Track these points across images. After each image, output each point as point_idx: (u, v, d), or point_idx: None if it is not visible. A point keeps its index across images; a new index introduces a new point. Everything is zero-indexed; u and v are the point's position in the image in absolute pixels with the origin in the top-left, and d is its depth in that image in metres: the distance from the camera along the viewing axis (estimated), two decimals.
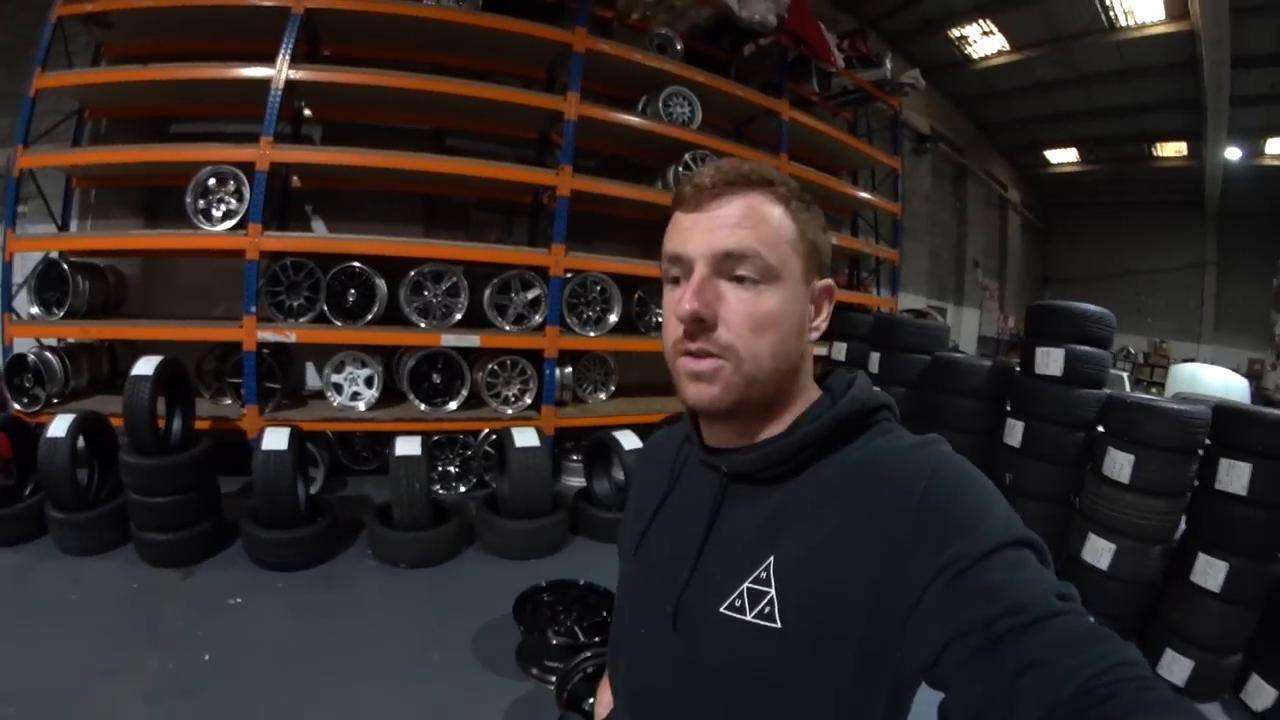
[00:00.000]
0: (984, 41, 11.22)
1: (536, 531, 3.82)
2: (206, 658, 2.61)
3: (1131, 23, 9.87)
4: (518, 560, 3.72)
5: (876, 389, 0.82)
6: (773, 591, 0.71)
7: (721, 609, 0.74)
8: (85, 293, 4.21)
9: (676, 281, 0.78)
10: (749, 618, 0.72)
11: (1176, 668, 3.08)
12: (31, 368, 3.98)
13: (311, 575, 3.38)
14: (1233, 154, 12.73)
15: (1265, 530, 2.95)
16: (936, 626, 0.60)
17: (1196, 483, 3.24)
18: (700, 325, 0.74)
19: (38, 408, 3.93)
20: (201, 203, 4.04)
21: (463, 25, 4.52)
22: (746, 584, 0.74)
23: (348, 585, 3.33)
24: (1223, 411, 3.19)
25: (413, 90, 4.37)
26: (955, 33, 11.00)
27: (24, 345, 4.16)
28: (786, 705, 0.70)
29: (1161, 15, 9.46)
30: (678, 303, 0.75)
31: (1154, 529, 3.22)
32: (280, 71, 4.05)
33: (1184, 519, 3.29)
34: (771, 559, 0.73)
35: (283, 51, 4.07)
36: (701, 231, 0.75)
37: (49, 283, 4.21)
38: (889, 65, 7.13)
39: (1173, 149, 14.17)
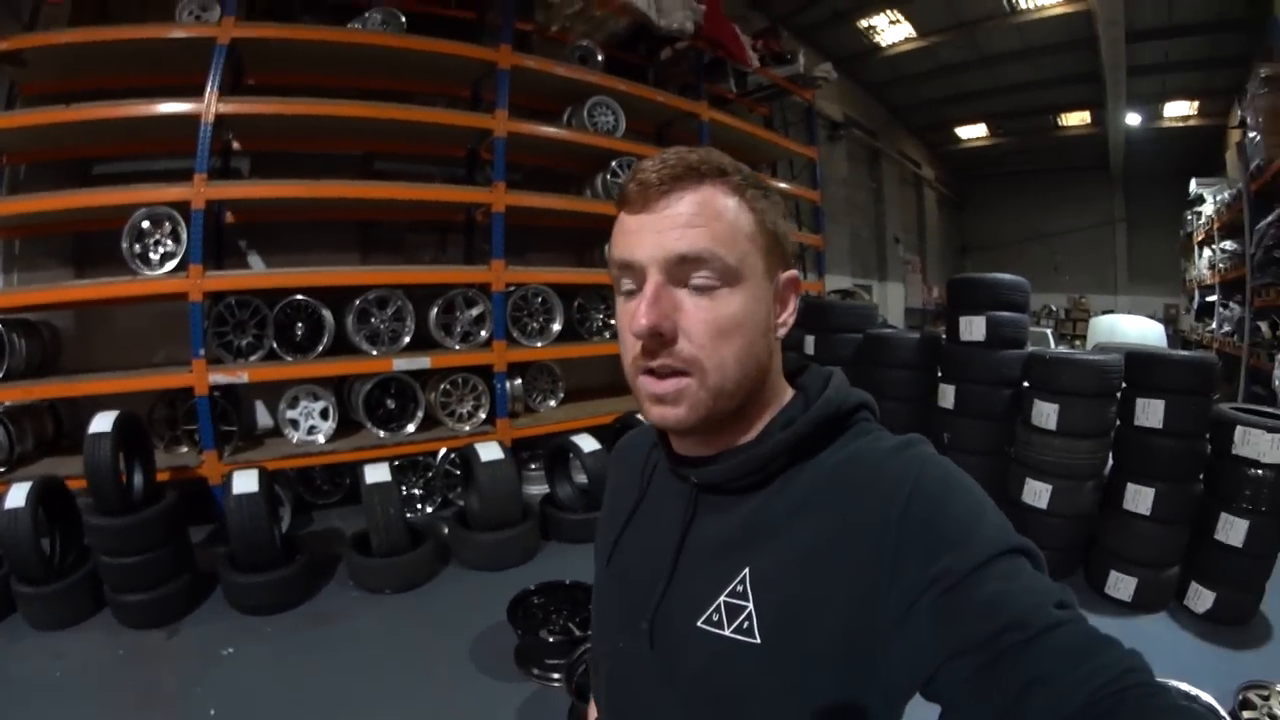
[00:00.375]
0: (891, 30, 11.78)
1: (510, 541, 3.91)
2: (212, 713, 2.56)
3: (1031, 5, 10.49)
4: (495, 571, 3.80)
5: (855, 388, 0.78)
6: (751, 605, 0.67)
7: (699, 623, 0.70)
8: (22, 352, 4.01)
9: (631, 293, 0.70)
10: (727, 632, 0.68)
11: (1122, 586, 3.44)
12: None
13: (298, 614, 3.34)
14: (1133, 119, 13.63)
15: (1182, 456, 3.36)
16: (930, 643, 0.57)
17: (1118, 422, 3.62)
18: (659, 340, 0.67)
19: None
20: (138, 247, 3.92)
21: (389, 48, 4.54)
22: (723, 597, 0.69)
23: (337, 619, 3.32)
24: (1134, 357, 3.58)
25: (342, 116, 4.37)
26: (864, 23, 11.51)
27: None
28: (769, 719, 0.67)
29: None
30: (633, 317, 0.68)
31: (1084, 467, 3.59)
32: (209, 105, 3.97)
33: (1110, 455, 3.65)
34: (747, 570, 0.69)
35: (210, 85, 3.97)
36: (651, 234, 0.67)
37: None
38: (802, 60, 7.43)
39: (1076, 118, 15.11)
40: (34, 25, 4.37)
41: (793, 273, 0.75)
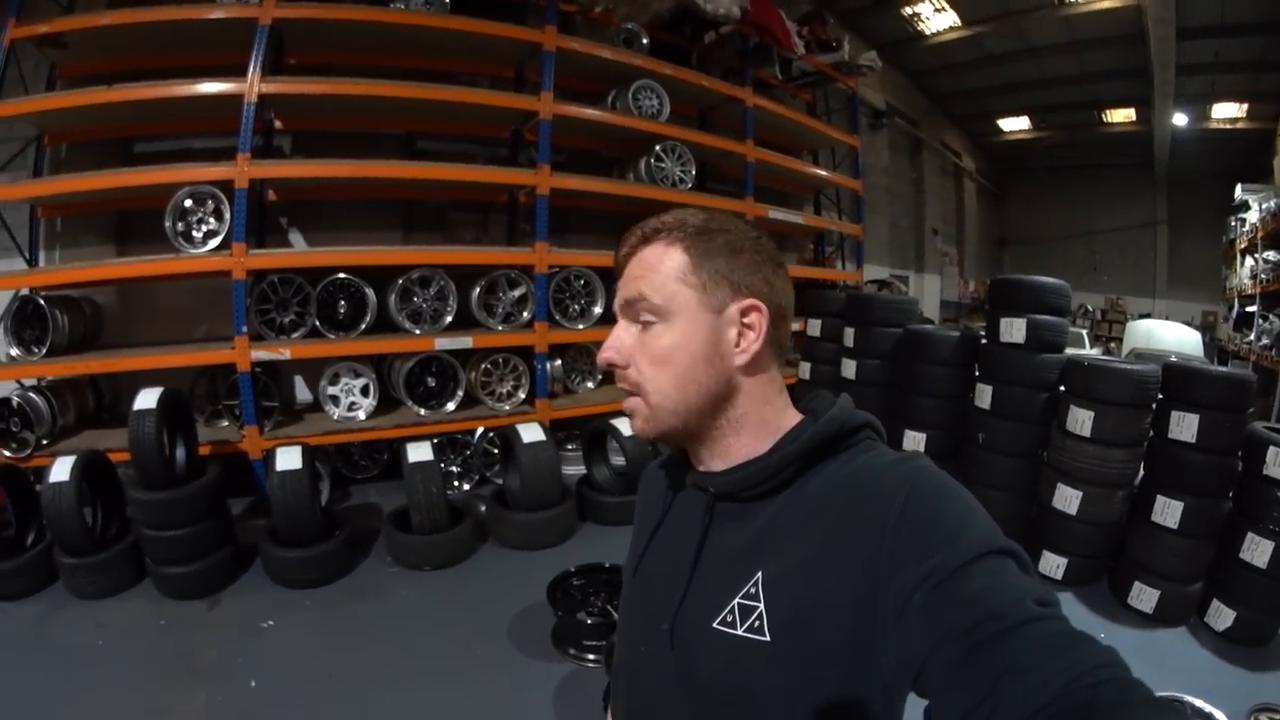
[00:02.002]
0: (936, 18, 11.54)
1: (549, 522, 3.96)
2: (253, 684, 2.62)
3: None
4: (533, 550, 3.85)
5: (860, 410, 0.84)
6: (761, 606, 0.73)
7: (714, 624, 0.76)
8: (65, 328, 4.07)
9: None
10: (740, 631, 0.73)
11: (1145, 598, 3.41)
12: (17, 411, 3.83)
13: (337, 589, 3.41)
14: (1180, 119, 13.28)
15: (1214, 472, 3.31)
16: (918, 636, 0.61)
17: (1151, 433, 3.57)
18: (615, 368, 0.84)
19: (28, 451, 3.79)
20: (181, 225, 3.98)
21: (433, 29, 4.54)
22: (737, 599, 0.75)
23: (375, 594, 3.38)
24: (1172, 370, 3.54)
25: (385, 96, 4.38)
26: (908, 10, 11.30)
27: (3, 388, 3.95)
28: (777, 715, 0.72)
29: None
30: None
31: (1115, 476, 3.56)
32: (252, 85, 4.00)
33: (1142, 466, 3.61)
34: (760, 574, 0.74)
35: (253, 65, 4.01)
36: (619, 287, 0.86)
37: (25, 320, 4.05)
38: (847, 47, 7.33)
39: (1122, 115, 14.71)
40: (73, 8, 4.42)
41: (749, 300, 0.81)
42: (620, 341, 0.84)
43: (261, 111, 4.21)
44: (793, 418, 0.85)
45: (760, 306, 0.82)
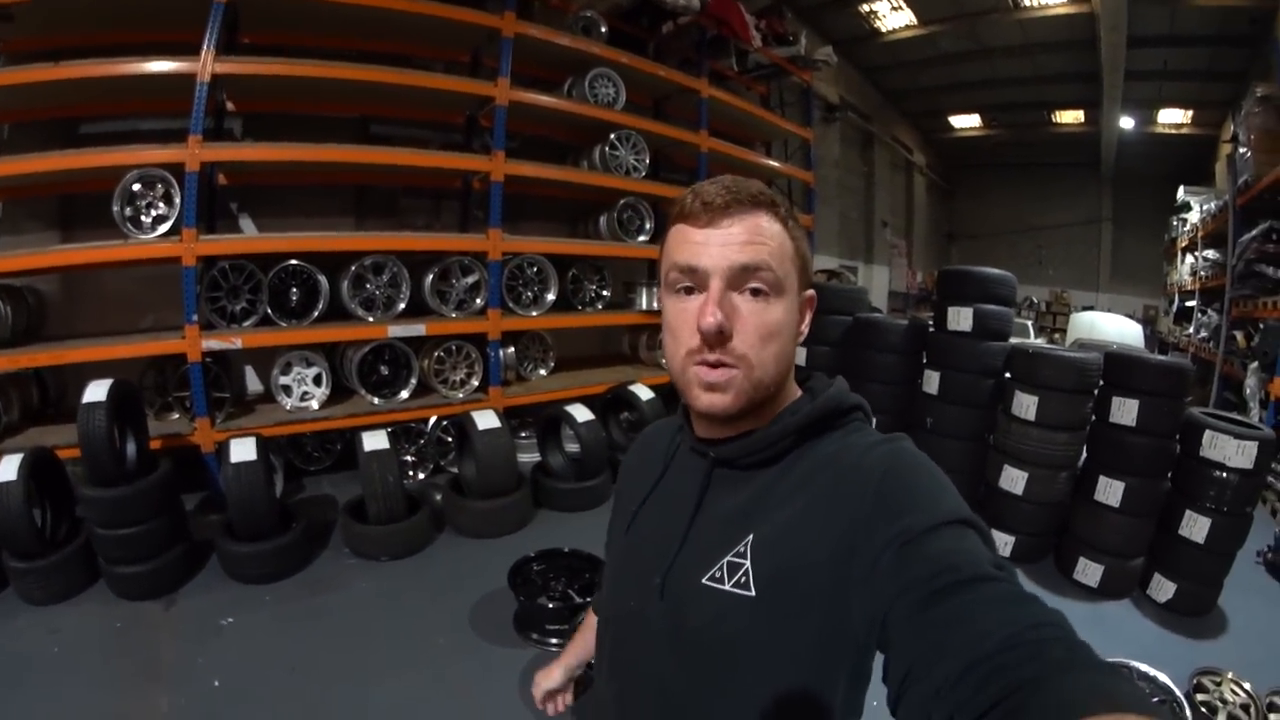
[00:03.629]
0: (893, 16, 11.77)
1: (505, 509, 3.97)
2: (216, 684, 2.57)
3: (1035, 3, 10.54)
4: (491, 538, 3.86)
5: (853, 393, 0.90)
6: (748, 564, 0.77)
7: (703, 580, 0.80)
8: (7, 318, 3.90)
9: (688, 291, 0.81)
10: (727, 587, 0.78)
11: (1090, 573, 3.59)
12: None
13: (295, 582, 3.35)
14: (1127, 123, 13.83)
15: (1153, 454, 3.51)
16: (884, 590, 0.65)
17: (1094, 417, 3.76)
18: (719, 337, 0.77)
19: None
20: (129, 209, 3.84)
21: (391, 10, 4.45)
22: (727, 557, 0.79)
23: (335, 586, 3.35)
24: (1112, 358, 3.72)
25: (342, 79, 4.30)
26: (866, 7, 11.49)
27: None
28: (757, 668, 0.76)
29: None
30: (698, 314, 0.78)
31: (1059, 458, 3.74)
32: (206, 65, 3.86)
33: (1085, 448, 3.80)
34: (750, 536, 0.79)
35: (206, 43, 3.87)
36: (716, 247, 0.78)
37: None
38: (803, 42, 7.43)
39: (1071, 116, 15.22)
40: None
41: (811, 292, 0.88)
42: (730, 308, 0.79)
43: (214, 92, 4.06)
44: (793, 393, 0.90)
45: (814, 297, 0.89)
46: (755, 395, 0.81)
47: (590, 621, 1.25)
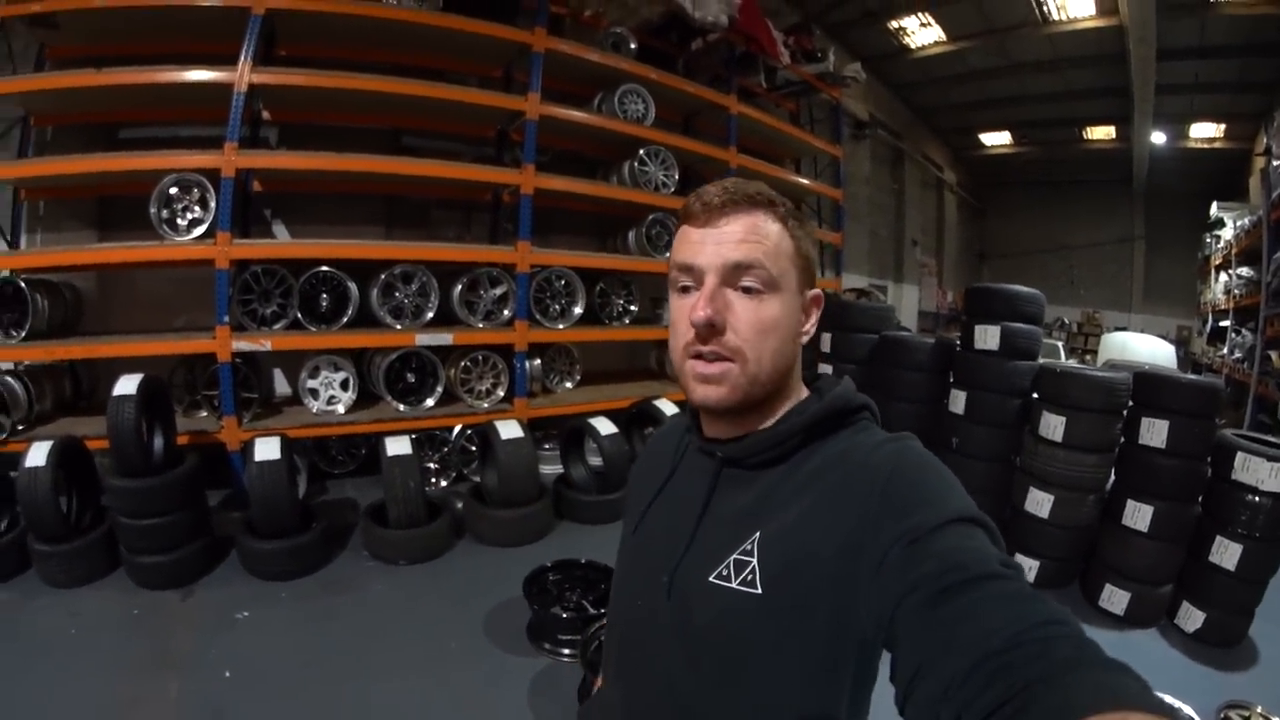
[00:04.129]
0: (922, 32, 11.73)
1: (526, 519, 3.98)
2: (227, 675, 2.60)
3: (1064, 17, 10.43)
4: (509, 547, 3.86)
5: (859, 393, 0.90)
6: (755, 561, 0.78)
7: (710, 578, 0.80)
8: (45, 311, 4.02)
9: (686, 290, 0.85)
10: (734, 585, 0.78)
11: (1116, 599, 3.48)
12: None
13: (312, 581, 3.39)
14: (1158, 138, 13.55)
15: (1183, 477, 3.39)
16: (891, 588, 0.65)
17: (1122, 439, 3.65)
18: (712, 330, 0.80)
19: (3, 436, 3.72)
20: (165, 212, 3.95)
21: (425, 26, 4.55)
22: (734, 556, 0.80)
23: (351, 587, 3.37)
24: (1142, 377, 3.62)
25: (375, 91, 4.39)
26: (894, 24, 11.46)
27: None
28: (765, 665, 0.76)
29: (1092, 10, 10.03)
30: (691, 309, 0.81)
31: (1087, 480, 3.63)
32: (243, 74, 3.98)
33: (1113, 470, 3.69)
34: (758, 534, 0.79)
35: (244, 54, 3.99)
36: (711, 245, 0.82)
37: (4, 303, 3.97)
38: (832, 58, 7.44)
39: (1102, 133, 14.99)
40: None
41: (817, 291, 0.90)
42: (725, 303, 0.82)
43: (250, 101, 4.18)
44: (801, 392, 0.91)
45: (821, 296, 0.91)
46: (752, 390, 0.83)
47: None
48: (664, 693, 0.85)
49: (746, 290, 0.82)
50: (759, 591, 0.76)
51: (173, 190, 3.97)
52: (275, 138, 5.16)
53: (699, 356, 0.82)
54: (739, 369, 0.81)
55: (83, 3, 4.07)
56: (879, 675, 0.79)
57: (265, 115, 4.95)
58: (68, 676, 2.54)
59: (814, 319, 0.90)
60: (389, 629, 3.02)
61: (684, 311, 0.84)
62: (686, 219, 0.86)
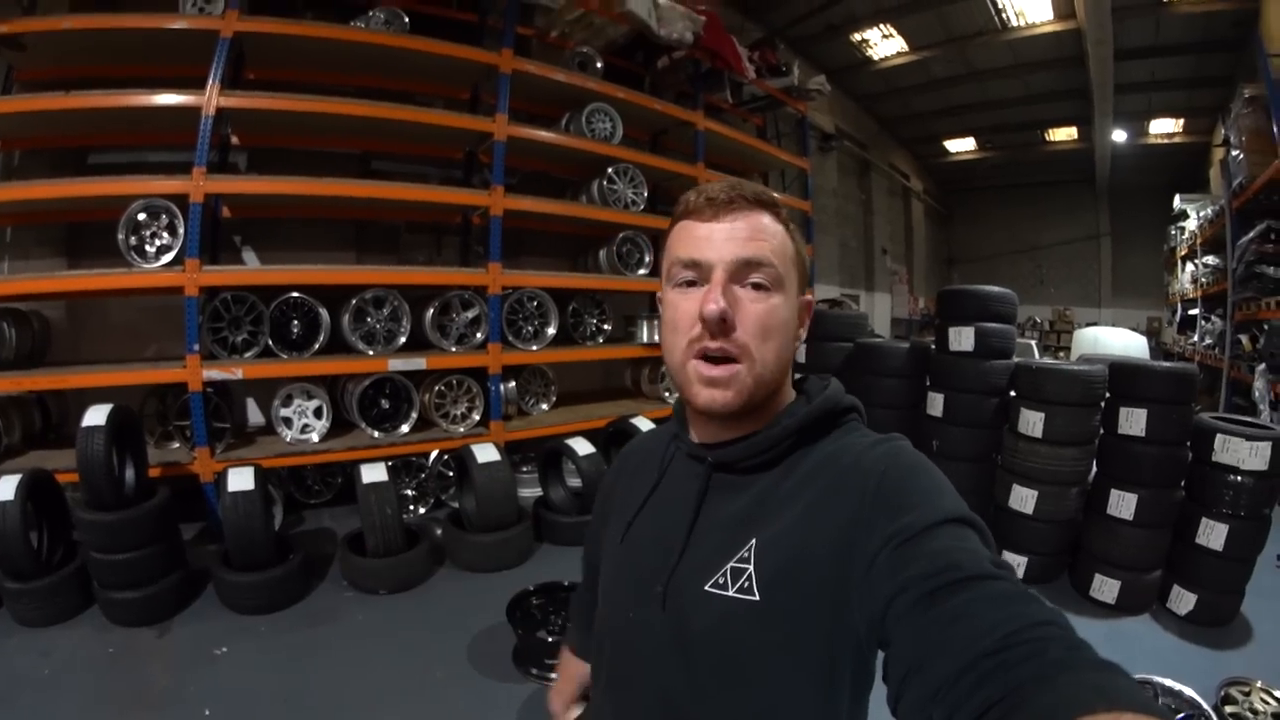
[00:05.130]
0: (884, 44, 11.94)
1: (506, 543, 3.92)
2: (207, 713, 2.52)
3: (1022, 23, 10.73)
4: (491, 572, 3.81)
5: (847, 394, 0.90)
6: (751, 568, 0.77)
7: (706, 587, 0.79)
8: (12, 341, 3.96)
9: (690, 285, 0.82)
10: (731, 593, 0.77)
11: (1106, 589, 3.52)
12: None
13: (292, 614, 3.31)
14: (1119, 136, 13.92)
15: (1164, 463, 3.46)
16: (882, 588, 0.64)
17: (1101, 430, 3.71)
18: (723, 326, 0.78)
19: None
20: (134, 239, 3.88)
21: (392, 48, 4.55)
22: (730, 563, 0.78)
23: (331, 618, 3.29)
24: (1117, 368, 3.68)
25: (344, 114, 4.37)
26: (857, 36, 11.66)
27: None
28: (764, 672, 0.75)
29: (1050, 15, 10.33)
30: (701, 304, 0.78)
31: (1068, 474, 3.68)
32: (211, 98, 3.93)
33: (1094, 462, 3.75)
34: (754, 540, 0.78)
35: (212, 77, 3.95)
36: (720, 240, 0.80)
37: None
38: (796, 72, 7.56)
39: (1064, 134, 15.39)
40: (34, 9, 4.31)
41: (809, 296, 0.90)
42: (733, 298, 0.79)
43: (219, 126, 4.14)
44: (789, 395, 0.90)
45: (812, 302, 0.92)
46: (757, 392, 0.81)
47: (567, 655, 1.21)
48: (659, 705, 0.84)
49: (755, 287, 0.80)
50: (756, 598, 0.76)
51: (141, 216, 3.89)
52: (244, 162, 5.11)
53: (704, 357, 0.80)
54: (745, 369, 0.80)
55: (50, 25, 4.01)
56: (875, 676, 0.78)
57: (234, 140, 4.90)
58: (42, 719, 2.47)
59: (806, 324, 0.90)
60: (371, 660, 2.95)
61: (686, 308, 0.81)
62: (688, 214, 0.85)
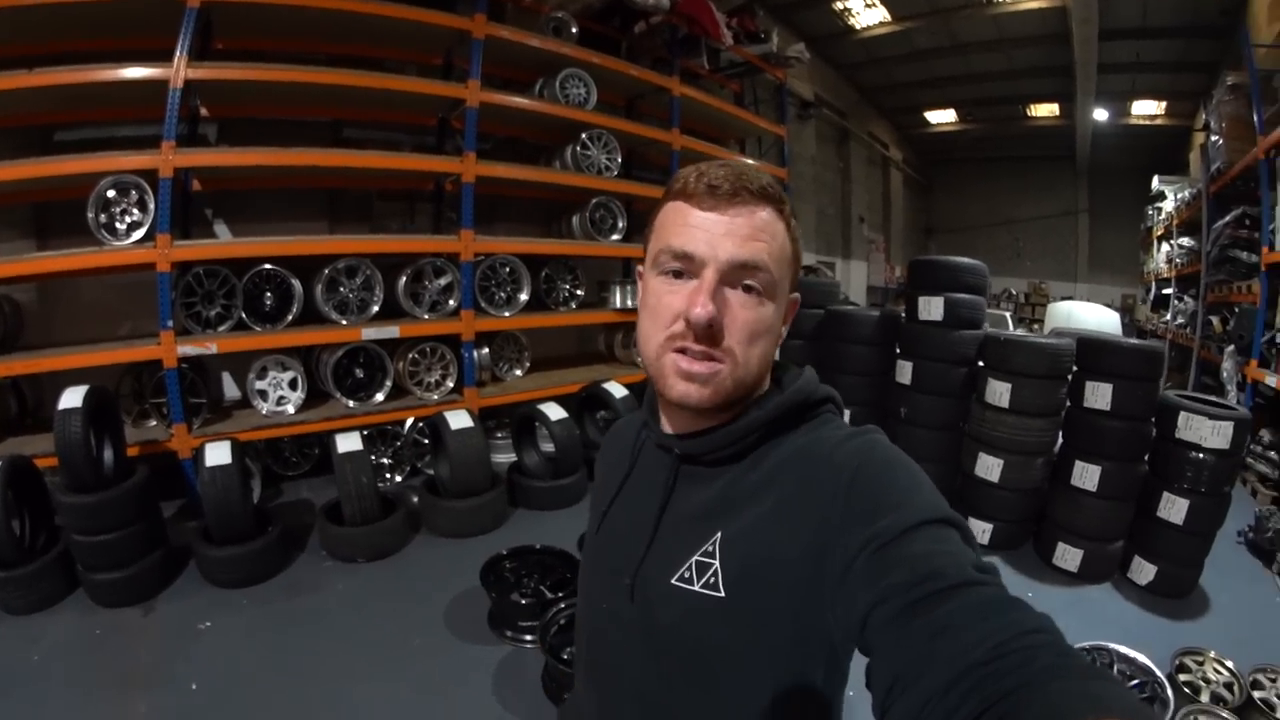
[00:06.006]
0: (866, 13, 11.80)
1: (480, 508, 3.98)
2: (194, 687, 2.56)
3: None
4: (466, 538, 3.87)
5: (824, 385, 0.87)
6: (717, 563, 0.75)
7: (672, 580, 0.78)
8: None
9: (677, 275, 0.78)
10: (696, 588, 0.76)
11: (1069, 557, 3.63)
12: None
13: (273, 586, 3.35)
14: (1101, 115, 13.98)
15: (1129, 437, 3.55)
16: (862, 595, 0.62)
17: (1068, 402, 3.80)
18: (709, 331, 0.74)
19: None
20: (103, 216, 3.81)
21: (363, 14, 4.45)
22: (695, 557, 0.77)
23: (312, 589, 3.34)
24: (1085, 343, 3.75)
25: (315, 83, 4.30)
26: (839, 5, 11.52)
27: None
28: (731, 668, 0.75)
29: None
30: (687, 301, 0.75)
31: (1034, 444, 3.77)
32: (179, 70, 3.84)
33: (1060, 434, 3.84)
34: (719, 534, 0.77)
35: (180, 48, 3.85)
36: (718, 235, 0.76)
37: None
38: (775, 39, 7.47)
39: (1045, 110, 15.43)
40: None
41: (797, 295, 0.87)
42: (723, 301, 0.76)
43: (187, 98, 4.03)
44: (763, 385, 0.86)
45: (799, 300, 0.88)
46: (735, 393, 0.79)
47: None
48: (634, 695, 0.84)
49: (747, 289, 0.77)
50: (722, 594, 0.74)
51: (110, 193, 3.82)
52: (214, 134, 4.99)
53: (684, 351, 0.77)
54: (728, 371, 0.77)
55: (9, 1, 3.86)
56: (849, 674, 0.80)
57: (203, 111, 4.76)
58: (34, 704, 2.46)
59: (789, 321, 0.87)
60: (351, 629, 3.00)
61: (670, 301, 0.77)
62: (685, 196, 0.79)
